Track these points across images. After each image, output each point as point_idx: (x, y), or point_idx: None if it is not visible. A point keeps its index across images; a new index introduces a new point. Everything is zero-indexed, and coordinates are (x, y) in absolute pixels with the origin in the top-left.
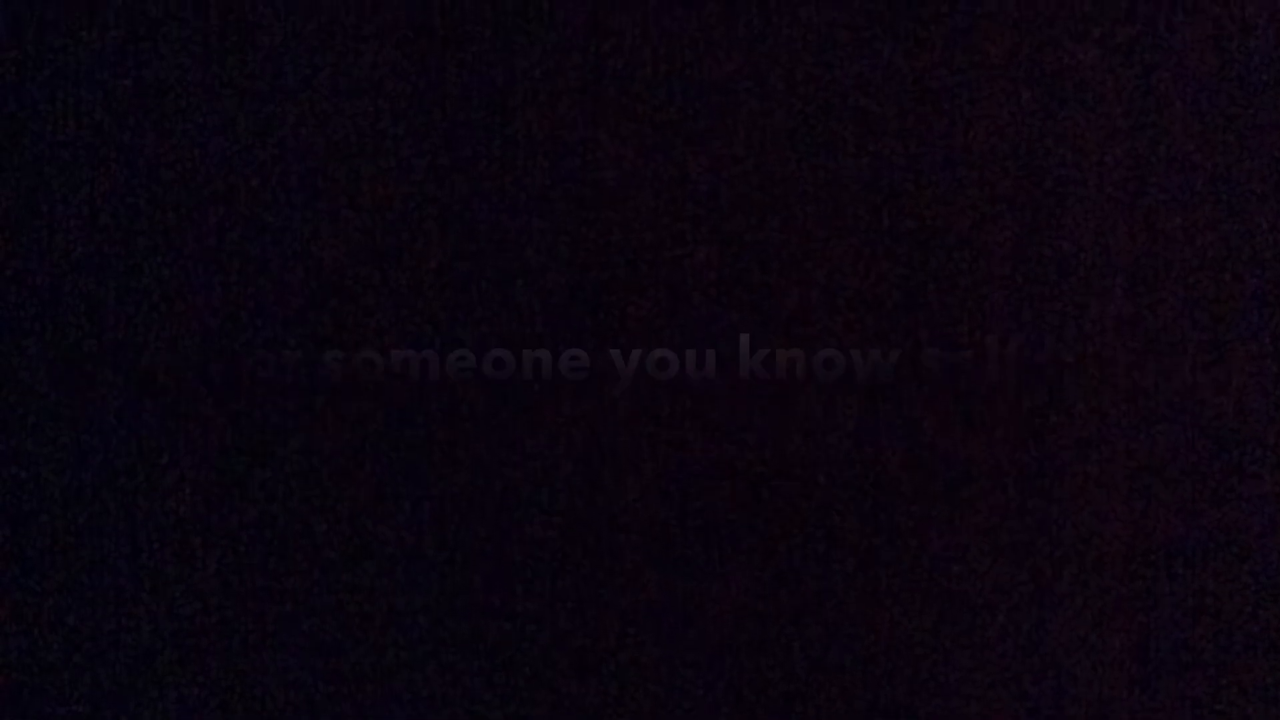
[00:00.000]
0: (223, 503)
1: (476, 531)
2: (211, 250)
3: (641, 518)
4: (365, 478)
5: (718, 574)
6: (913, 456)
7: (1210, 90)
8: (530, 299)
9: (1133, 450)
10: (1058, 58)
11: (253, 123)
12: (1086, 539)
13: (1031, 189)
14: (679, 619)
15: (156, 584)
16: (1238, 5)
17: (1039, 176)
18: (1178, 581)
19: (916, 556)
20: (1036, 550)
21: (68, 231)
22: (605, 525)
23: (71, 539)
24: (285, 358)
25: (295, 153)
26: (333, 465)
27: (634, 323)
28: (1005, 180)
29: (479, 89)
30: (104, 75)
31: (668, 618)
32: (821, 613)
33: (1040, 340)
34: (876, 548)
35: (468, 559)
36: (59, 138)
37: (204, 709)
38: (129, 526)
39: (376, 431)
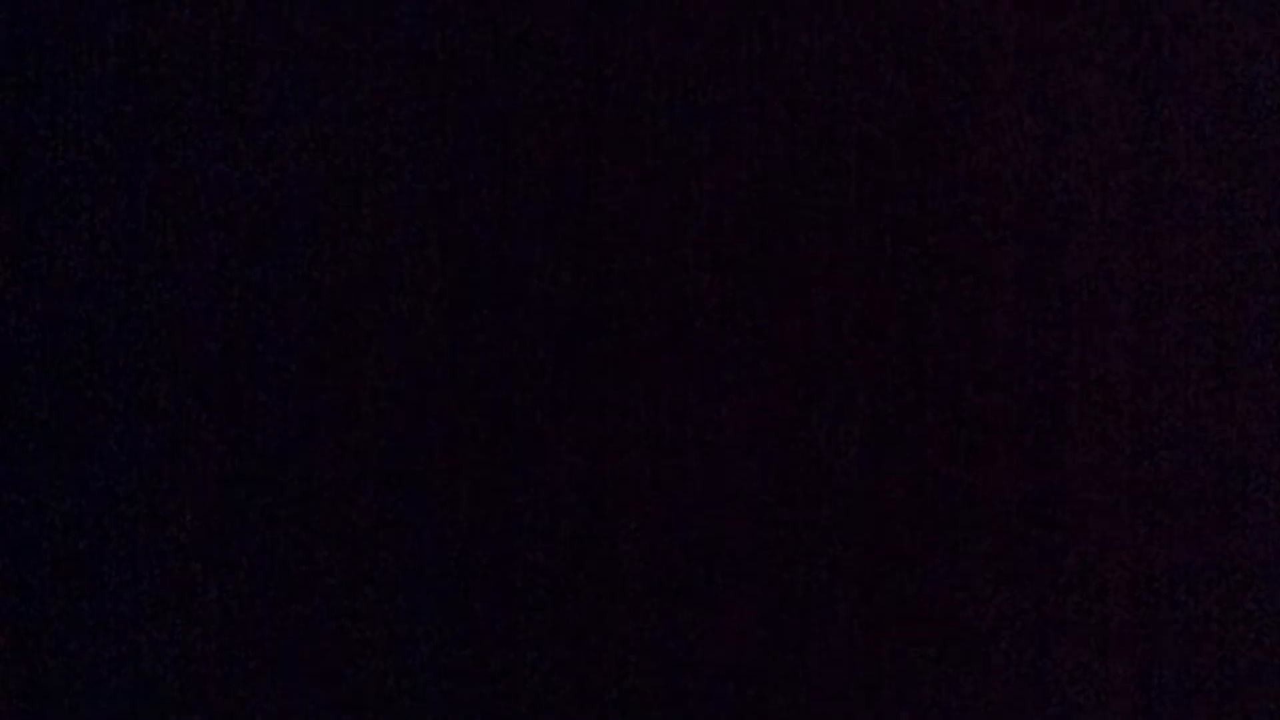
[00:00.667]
0: (223, 530)
1: (479, 560)
2: (212, 279)
3: (644, 548)
4: (367, 505)
5: (722, 602)
6: (916, 484)
7: (1214, 117)
8: (532, 327)
9: (1137, 478)
10: (1061, 85)
11: (253, 151)
12: (1090, 567)
13: (1035, 216)
14: (683, 647)
15: (158, 610)
16: (1241, 33)
17: (1042, 203)
18: (1181, 609)
19: (920, 585)
20: (1040, 578)
21: (69, 258)
22: (608, 557)
23: (72, 565)
24: (287, 385)
25: (296, 180)
26: (334, 492)
27: (636, 351)
28: (1009, 207)
29: (480, 116)
30: (104, 103)
31: (671, 646)
32: (826, 639)
33: (1044, 367)
34: (880, 576)
35: (470, 586)
36: (60, 165)
37: None
38: (130, 552)
39: (378, 460)
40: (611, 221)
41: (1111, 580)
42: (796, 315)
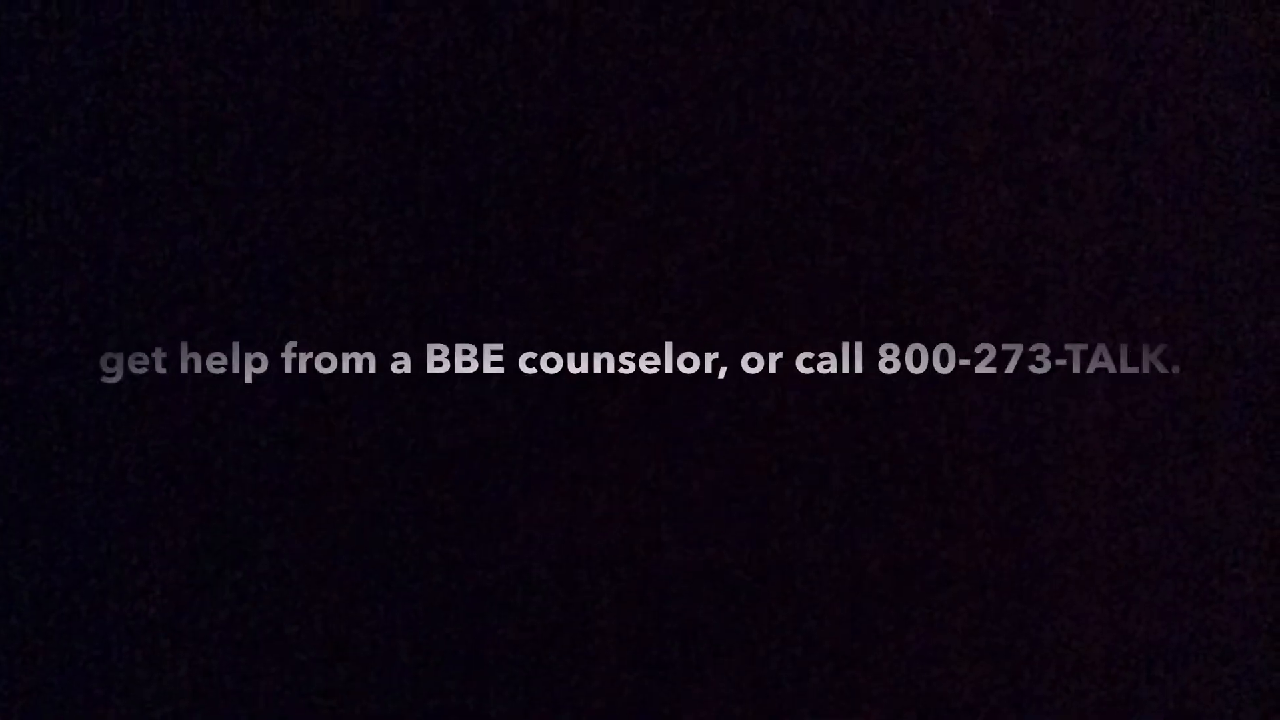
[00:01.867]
0: (193, 604)
1: (451, 634)
2: (181, 350)
3: (617, 620)
4: (338, 579)
5: (694, 676)
6: (891, 558)
7: (1191, 188)
8: (503, 402)
9: (1113, 552)
10: (1037, 155)
11: (223, 221)
12: (1066, 642)
13: (1010, 288)
14: None
15: (127, 687)
16: (1218, 101)
17: (1018, 275)
18: (1158, 686)
19: (894, 659)
20: (1015, 653)
21: (36, 331)
22: (580, 626)
23: (40, 641)
24: (258, 457)
25: (265, 251)
26: (305, 566)
27: (609, 424)
28: (984, 279)
29: (452, 186)
30: (72, 172)
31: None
32: (799, 716)
33: (1019, 444)
34: (854, 650)
35: (442, 661)
36: (25, 237)
37: None
38: (99, 628)
39: (349, 534)
40: (582, 290)
41: (1088, 656)
42: (769, 391)
